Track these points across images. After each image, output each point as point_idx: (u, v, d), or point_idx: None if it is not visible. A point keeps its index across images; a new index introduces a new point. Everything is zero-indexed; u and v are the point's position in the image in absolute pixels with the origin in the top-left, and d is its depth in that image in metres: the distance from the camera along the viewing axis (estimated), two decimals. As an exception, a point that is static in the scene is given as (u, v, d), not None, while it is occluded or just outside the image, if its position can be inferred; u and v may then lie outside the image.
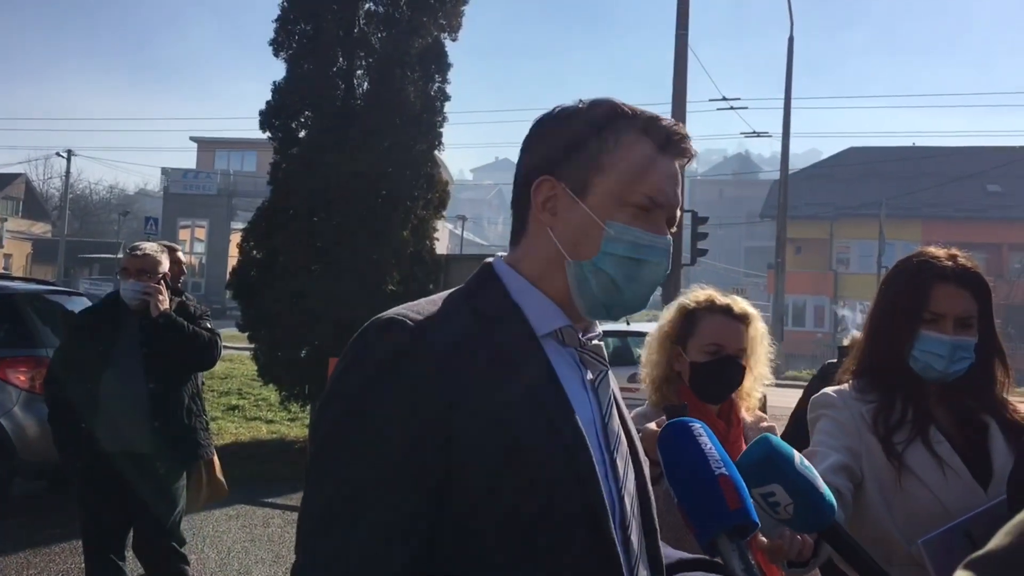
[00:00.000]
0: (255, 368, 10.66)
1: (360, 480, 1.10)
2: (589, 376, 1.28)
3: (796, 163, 45.32)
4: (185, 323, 4.21)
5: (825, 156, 50.53)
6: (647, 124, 1.26)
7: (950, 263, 2.02)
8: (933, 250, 2.08)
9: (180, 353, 4.21)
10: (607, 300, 1.25)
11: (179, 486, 4.23)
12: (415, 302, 1.24)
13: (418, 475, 1.10)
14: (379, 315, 1.20)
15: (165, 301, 4.15)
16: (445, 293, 1.28)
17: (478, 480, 1.11)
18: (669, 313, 2.49)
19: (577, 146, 1.26)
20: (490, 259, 1.33)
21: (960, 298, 1.98)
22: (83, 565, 5.55)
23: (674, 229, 1.30)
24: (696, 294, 2.49)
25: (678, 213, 1.29)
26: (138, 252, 4.21)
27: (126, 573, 4.22)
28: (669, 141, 1.26)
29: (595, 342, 1.30)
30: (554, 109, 1.32)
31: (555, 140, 1.28)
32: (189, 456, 4.28)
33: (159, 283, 4.17)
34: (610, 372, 1.32)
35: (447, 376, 1.12)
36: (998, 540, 0.79)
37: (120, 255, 41.26)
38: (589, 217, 1.24)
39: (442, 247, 12.35)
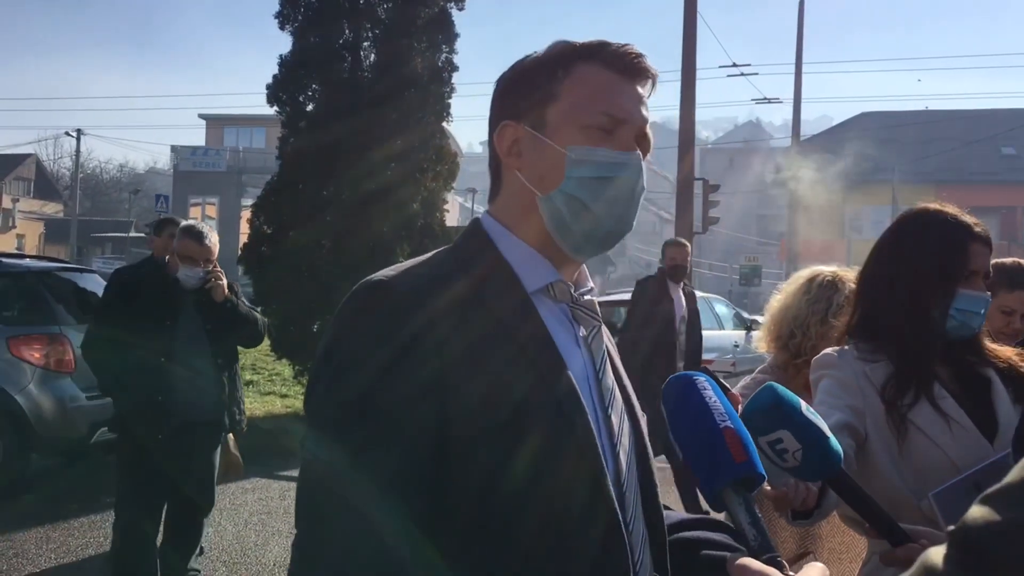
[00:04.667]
0: (268, 343, 10.71)
1: (356, 444, 1.08)
2: (582, 332, 1.26)
3: (807, 129, 44.97)
4: (245, 306, 4.64)
5: (837, 122, 50.11)
6: (596, 50, 1.24)
7: (977, 222, 2.03)
8: (947, 207, 2.06)
9: (238, 332, 4.64)
10: (585, 228, 1.22)
11: (218, 452, 4.69)
12: (404, 263, 1.22)
13: (415, 435, 1.09)
14: (367, 278, 1.17)
15: (226, 286, 4.47)
16: (434, 252, 1.27)
17: (472, 440, 1.10)
18: None
19: (531, 86, 1.25)
20: (478, 216, 1.31)
21: (985, 255, 2.01)
22: (102, 539, 5.63)
23: (650, 156, 1.26)
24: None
25: (649, 133, 1.26)
26: (206, 241, 4.41)
27: (156, 547, 4.48)
28: (621, 61, 1.24)
29: (587, 297, 1.28)
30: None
31: (512, 87, 1.28)
32: (236, 426, 4.70)
33: (215, 267, 4.48)
34: (603, 327, 1.30)
35: (437, 336, 1.11)
36: (1015, 473, 0.77)
37: (132, 233, 41.41)
38: (551, 147, 1.22)
39: (452, 220, 12.36)
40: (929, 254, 2.01)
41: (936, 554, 0.78)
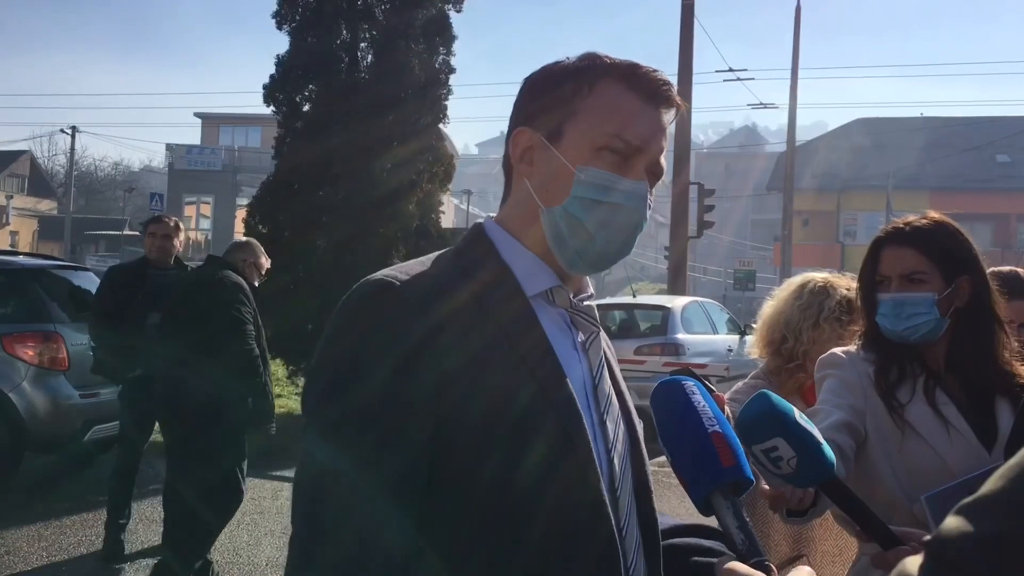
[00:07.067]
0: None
1: (353, 447, 1.09)
2: (580, 338, 1.26)
3: (803, 135, 45.03)
4: None
5: (832, 127, 50.23)
6: (626, 71, 1.23)
7: (900, 226, 2.06)
8: (909, 219, 2.11)
9: None
10: (580, 247, 1.22)
11: None
12: (404, 263, 1.22)
13: (411, 439, 1.09)
14: (366, 278, 1.17)
15: None
16: (435, 254, 1.26)
17: (468, 443, 1.10)
18: None
19: (553, 96, 1.24)
20: (481, 220, 1.32)
21: (901, 256, 2.02)
22: (94, 537, 5.63)
23: (660, 182, 1.26)
24: None
25: (663, 162, 1.25)
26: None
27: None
28: (648, 87, 1.22)
29: (587, 303, 1.28)
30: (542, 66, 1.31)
31: (535, 92, 1.28)
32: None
33: None
34: (602, 333, 1.30)
35: (436, 339, 1.11)
36: (990, 484, 0.76)
37: (127, 231, 41.23)
38: (561, 163, 1.21)
39: (448, 221, 12.36)
40: (861, 266, 2.15)
41: (912, 564, 0.78)
